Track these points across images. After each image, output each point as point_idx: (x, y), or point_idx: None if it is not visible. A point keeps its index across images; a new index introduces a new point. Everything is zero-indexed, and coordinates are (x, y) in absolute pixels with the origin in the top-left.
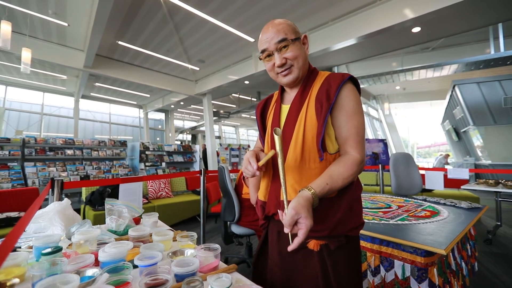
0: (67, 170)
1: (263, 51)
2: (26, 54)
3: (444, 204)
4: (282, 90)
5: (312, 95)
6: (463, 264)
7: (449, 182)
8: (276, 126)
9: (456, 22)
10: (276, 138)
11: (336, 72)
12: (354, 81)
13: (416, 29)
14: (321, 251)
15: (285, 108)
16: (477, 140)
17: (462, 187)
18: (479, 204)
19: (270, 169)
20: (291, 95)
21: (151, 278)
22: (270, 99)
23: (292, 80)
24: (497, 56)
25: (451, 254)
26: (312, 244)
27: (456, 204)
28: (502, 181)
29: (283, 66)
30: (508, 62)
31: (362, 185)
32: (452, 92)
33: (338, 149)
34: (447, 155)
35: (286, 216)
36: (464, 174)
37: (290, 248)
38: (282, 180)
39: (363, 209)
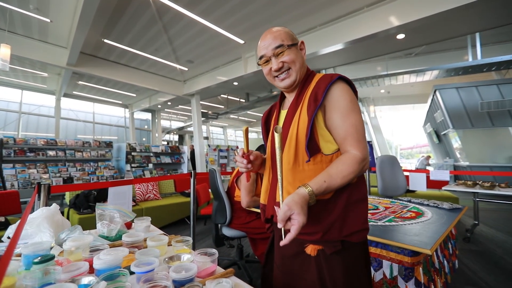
0: (48, 172)
1: (261, 57)
2: (5, 51)
3: (428, 205)
4: (283, 97)
5: (306, 98)
6: (445, 262)
7: (431, 183)
8: None
9: (438, 30)
10: (276, 135)
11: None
12: (346, 80)
13: (400, 36)
14: (318, 256)
15: (284, 113)
16: (455, 142)
17: (443, 188)
18: (459, 205)
19: (269, 172)
20: (289, 100)
21: (150, 285)
22: (274, 107)
23: (289, 84)
24: (474, 63)
25: (435, 253)
26: (310, 249)
27: (438, 205)
28: (480, 182)
29: (280, 70)
30: (485, 69)
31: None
32: (433, 96)
33: (337, 150)
34: (428, 157)
35: (279, 212)
36: (445, 175)
37: (282, 243)
38: (279, 177)
39: None
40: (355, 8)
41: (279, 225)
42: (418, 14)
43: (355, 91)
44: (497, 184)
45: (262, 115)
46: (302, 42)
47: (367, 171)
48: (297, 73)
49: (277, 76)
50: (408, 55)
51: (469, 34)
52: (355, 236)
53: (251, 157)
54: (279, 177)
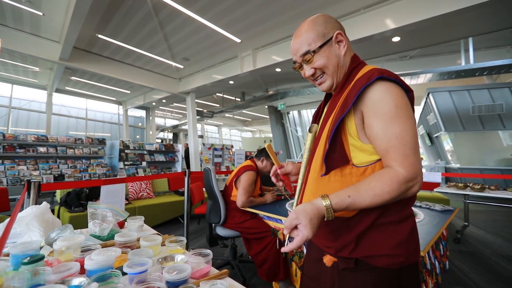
0: (39, 169)
1: (294, 62)
2: None
3: (420, 206)
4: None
5: (342, 101)
6: (436, 263)
7: (423, 185)
8: None
9: (432, 34)
10: (309, 135)
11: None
12: (392, 79)
13: (396, 39)
14: (333, 268)
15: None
16: (447, 144)
17: (434, 189)
18: (450, 206)
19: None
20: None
21: (143, 286)
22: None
23: (327, 88)
24: (467, 68)
25: (427, 254)
26: (326, 259)
27: (430, 206)
28: (470, 185)
29: (314, 75)
30: (477, 74)
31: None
32: (426, 99)
33: (374, 161)
34: (421, 159)
35: (287, 218)
36: (437, 177)
37: (282, 250)
38: (299, 180)
39: None
40: (352, 9)
41: (285, 232)
42: (414, 18)
43: (408, 91)
44: (487, 186)
45: (258, 114)
46: (339, 33)
47: None
48: (332, 76)
49: (315, 79)
50: (403, 58)
51: (463, 38)
52: (378, 260)
53: (280, 172)
54: (299, 180)
